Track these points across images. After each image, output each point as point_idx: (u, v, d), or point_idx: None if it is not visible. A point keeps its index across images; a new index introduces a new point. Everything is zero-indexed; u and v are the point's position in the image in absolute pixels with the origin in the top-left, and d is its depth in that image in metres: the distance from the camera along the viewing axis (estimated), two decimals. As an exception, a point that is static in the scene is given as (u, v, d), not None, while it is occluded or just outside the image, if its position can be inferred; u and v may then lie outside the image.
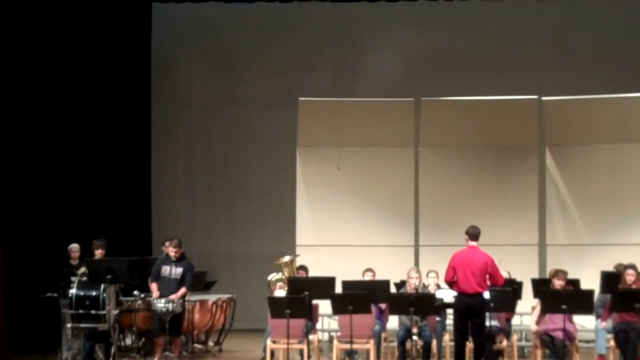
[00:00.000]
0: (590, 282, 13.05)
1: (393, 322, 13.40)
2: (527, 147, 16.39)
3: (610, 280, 12.78)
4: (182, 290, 12.98)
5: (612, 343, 12.34)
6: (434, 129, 16.52)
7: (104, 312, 12.74)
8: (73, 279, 12.91)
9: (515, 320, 14.33)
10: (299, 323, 12.30)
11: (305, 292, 12.41)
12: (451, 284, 11.91)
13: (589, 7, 17.94)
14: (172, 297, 12.78)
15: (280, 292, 13.29)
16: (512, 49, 17.78)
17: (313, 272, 13.96)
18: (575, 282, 13.26)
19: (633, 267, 12.53)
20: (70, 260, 13.90)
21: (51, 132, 15.91)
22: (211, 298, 14.60)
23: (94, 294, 12.78)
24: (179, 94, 18.94)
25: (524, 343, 14.68)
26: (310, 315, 12.70)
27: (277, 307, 12.17)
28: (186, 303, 13.40)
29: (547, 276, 13.49)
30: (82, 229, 15.08)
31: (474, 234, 11.94)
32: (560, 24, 17.91)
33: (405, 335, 12.51)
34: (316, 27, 18.45)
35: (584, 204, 16.19)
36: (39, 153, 15.65)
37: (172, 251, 13.06)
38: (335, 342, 12.95)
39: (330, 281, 12.79)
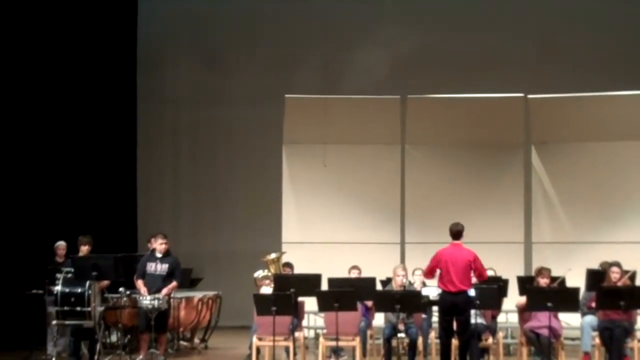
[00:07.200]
0: (576, 280, 13.06)
1: (379, 319, 13.40)
2: (513, 145, 16.39)
3: (596, 278, 12.80)
4: (173, 284, 12.98)
5: (597, 340, 12.36)
6: (420, 126, 16.50)
7: (89, 309, 12.66)
8: (58, 275, 12.85)
9: (501, 318, 14.36)
10: (284, 320, 12.28)
11: (291, 289, 12.38)
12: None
13: (575, 5, 18.01)
14: (164, 291, 12.76)
15: (266, 289, 13.27)
16: (498, 47, 17.87)
17: (299, 270, 13.94)
18: (561, 280, 13.28)
19: (618, 265, 12.56)
20: (56, 258, 13.85)
21: (37, 130, 15.85)
22: (197, 295, 14.59)
23: (79, 290, 12.69)
24: (165, 90, 18.93)
25: (509, 340, 14.70)
26: (296, 312, 12.67)
27: (263, 304, 12.13)
28: (172, 300, 13.37)
29: (533, 274, 13.50)
30: (68, 226, 15.01)
31: (456, 231, 11.95)
32: (547, 22, 17.97)
33: (391, 332, 12.49)
34: (303, 24, 18.47)
35: (569, 202, 16.19)
36: (25, 150, 15.60)
37: (159, 244, 13.00)
38: (321, 339, 12.95)
39: (316, 278, 12.75)
